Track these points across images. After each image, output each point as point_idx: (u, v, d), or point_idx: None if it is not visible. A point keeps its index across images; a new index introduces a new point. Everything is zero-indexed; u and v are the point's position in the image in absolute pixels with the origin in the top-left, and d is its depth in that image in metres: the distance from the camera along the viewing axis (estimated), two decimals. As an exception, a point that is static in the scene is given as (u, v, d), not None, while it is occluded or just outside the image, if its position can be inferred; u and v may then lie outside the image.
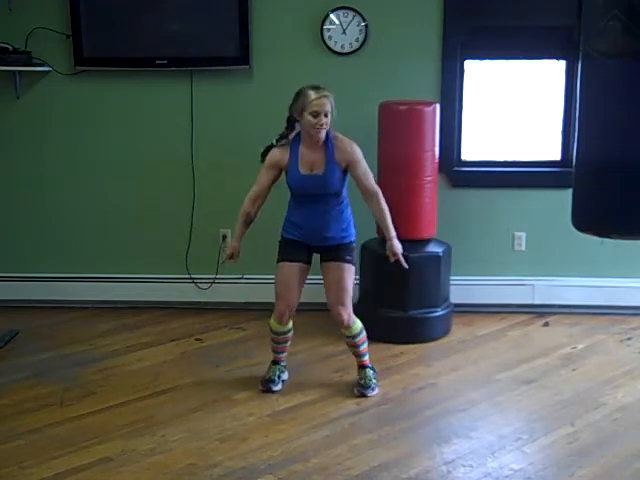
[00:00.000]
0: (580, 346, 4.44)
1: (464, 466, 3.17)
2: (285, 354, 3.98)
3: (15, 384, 3.95)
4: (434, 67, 4.74)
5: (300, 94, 3.66)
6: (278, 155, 3.73)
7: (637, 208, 2.36)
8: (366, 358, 3.91)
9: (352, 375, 4.03)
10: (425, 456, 3.25)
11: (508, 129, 4.97)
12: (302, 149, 3.70)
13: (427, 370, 4.11)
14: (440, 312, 4.56)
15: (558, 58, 4.84)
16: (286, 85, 4.80)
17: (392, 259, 3.77)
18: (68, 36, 4.72)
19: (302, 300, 4.93)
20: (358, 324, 3.84)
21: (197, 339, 4.57)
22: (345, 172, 3.72)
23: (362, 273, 4.64)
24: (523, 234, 4.93)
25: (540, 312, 4.93)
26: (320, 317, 4.82)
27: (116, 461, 3.22)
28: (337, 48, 4.73)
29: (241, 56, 4.68)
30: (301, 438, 3.39)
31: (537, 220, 4.90)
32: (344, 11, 4.68)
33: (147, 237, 5.04)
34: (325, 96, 3.62)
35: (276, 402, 3.74)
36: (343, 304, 3.75)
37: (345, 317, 3.77)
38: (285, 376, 3.98)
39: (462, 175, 4.90)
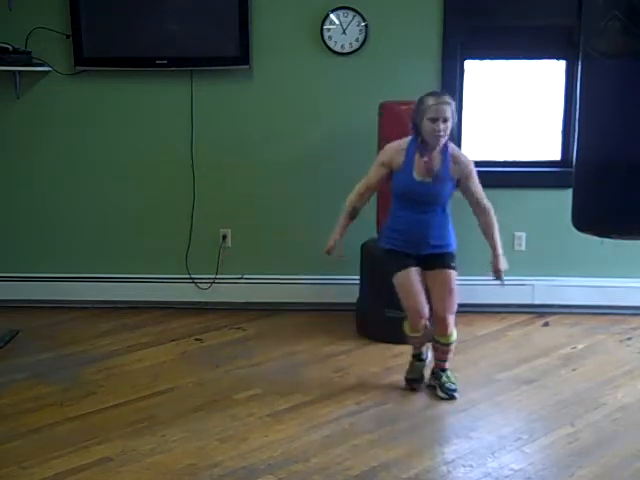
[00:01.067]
0: (580, 346, 4.44)
1: (464, 466, 3.17)
2: (424, 345, 3.90)
3: (15, 384, 3.95)
4: (434, 67, 4.74)
5: (420, 101, 3.61)
6: (391, 154, 3.70)
7: (637, 208, 2.36)
8: (448, 363, 3.86)
9: (352, 375, 4.04)
10: (425, 456, 3.25)
11: (508, 129, 4.98)
12: (417, 156, 3.65)
13: (427, 370, 4.11)
14: (440, 312, 4.55)
15: (558, 58, 4.84)
16: (286, 85, 4.84)
17: (495, 275, 3.76)
18: (68, 36, 4.71)
19: (301, 300, 4.97)
20: (455, 333, 3.77)
21: (197, 339, 4.57)
22: (456, 185, 3.68)
23: (362, 273, 4.64)
24: (523, 234, 4.93)
25: (540, 312, 4.94)
26: (320, 317, 4.84)
27: (116, 461, 3.22)
28: (337, 48, 4.73)
29: (241, 56, 4.68)
30: (301, 438, 3.39)
31: (537, 220, 4.91)
32: (344, 11, 4.68)
33: (147, 237, 5.04)
34: (444, 102, 3.56)
35: (276, 402, 3.74)
36: (451, 312, 3.70)
37: (450, 323, 3.70)
38: (426, 358, 3.95)
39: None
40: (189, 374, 4.07)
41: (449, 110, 3.56)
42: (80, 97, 4.87)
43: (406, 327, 3.82)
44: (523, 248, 4.94)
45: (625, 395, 3.80)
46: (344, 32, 4.70)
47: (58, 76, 4.82)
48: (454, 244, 3.81)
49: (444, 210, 3.74)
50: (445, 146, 3.65)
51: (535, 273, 4.94)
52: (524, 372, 4.08)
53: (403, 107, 4.41)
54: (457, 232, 4.73)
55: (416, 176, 3.64)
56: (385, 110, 4.44)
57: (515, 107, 4.94)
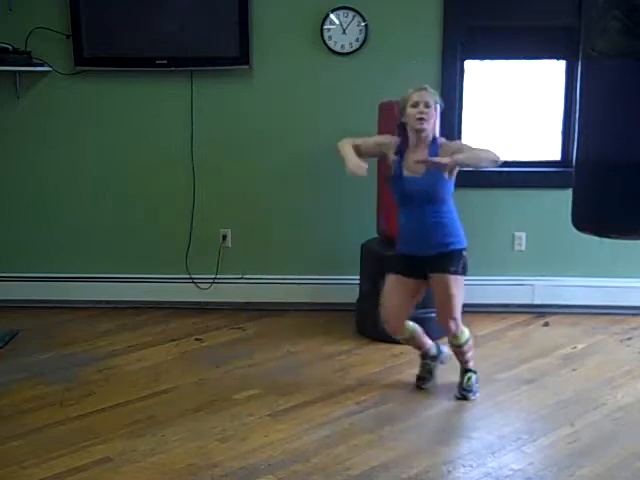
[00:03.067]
0: (580, 346, 4.44)
1: (464, 466, 3.17)
2: (425, 347, 3.90)
3: (15, 384, 3.95)
4: (434, 67, 4.75)
5: (402, 97, 3.67)
6: (389, 140, 3.72)
7: (637, 208, 2.36)
8: (471, 363, 3.84)
9: (352, 375, 4.05)
10: (425, 456, 3.25)
11: (508, 129, 4.98)
12: (408, 152, 3.65)
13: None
14: (440, 312, 4.55)
15: (558, 58, 4.85)
16: (286, 85, 4.84)
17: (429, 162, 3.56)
18: (68, 36, 4.72)
19: (301, 300, 4.97)
20: (466, 333, 3.76)
21: (197, 339, 4.57)
22: (449, 176, 3.62)
23: (362, 273, 4.64)
24: (523, 234, 4.93)
25: (540, 312, 4.94)
26: (320, 317, 4.84)
27: (116, 461, 3.22)
28: (337, 48, 4.73)
29: (241, 56, 4.68)
30: (301, 438, 3.39)
31: (537, 220, 4.91)
32: (344, 11, 4.68)
33: (147, 237, 5.04)
34: (424, 88, 3.63)
35: (276, 402, 3.74)
36: (452, 317, 3.68)
37: (453, 328, 3.69)
38: (440, 354, 3.94)
39: (462, 175, 4.87)
40: (189, 374, 4.07)
41: (431, 97, 3.60)
42: (80, 97, 4.88)
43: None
44: (523, 248, 4.94)
45: (625, 395, 3.80)
46: (344, 32, 4.70)
47: (58, 76, 4.82)
48: (461, 241, 3.71)
49: (445, 206, 3.66)
50: (434, 139, 3.65)
51: (535, 273, 4.95)
52: (524, 372, 4.08)
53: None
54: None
55: (405, 173, 3.63)
56: (385, 110, 4.44)
57: (515, 107, 4.95)
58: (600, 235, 2.58)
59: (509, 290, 4.96)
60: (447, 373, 4.08)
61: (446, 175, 3.58)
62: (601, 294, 4.91)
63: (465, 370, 3.83)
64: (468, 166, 3.61)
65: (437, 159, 3.50)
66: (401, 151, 3.67)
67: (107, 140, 4.94)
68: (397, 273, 3.73)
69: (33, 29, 4.70)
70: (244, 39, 4.66)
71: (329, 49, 4.73)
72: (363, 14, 4.67)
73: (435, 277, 3.67)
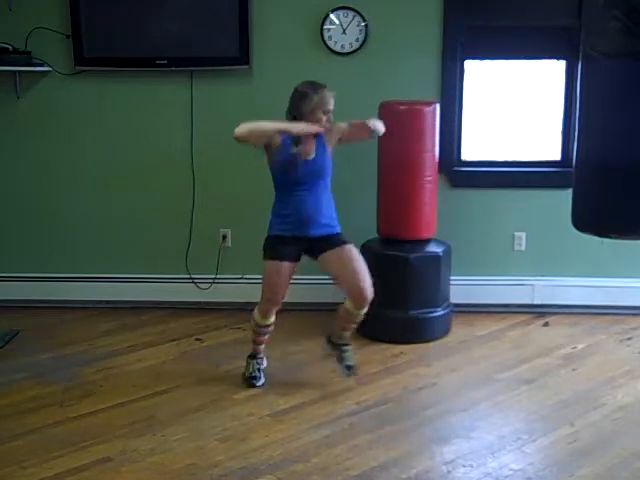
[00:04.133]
0: (580, 346, 4.44)
1: (464, 466, 3.17)
2: (264, 346, 3.98)
3: (15, 384, 3.95)
4: (434, 67, 4.75)
5: (303, 96, 3.68)
6: (273, 139, 3.74)
7: (637, 208, 2.36)
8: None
9: (352, 375, 4.04)
10: (425, 456, 3.25)
11: (508, 129, 4.98)
12: (295, 140, 3.71)
13: (427, 370, 4.11)
14: (440, 312, 4.56)
15: (558, 58, 4.84)
16: (286, 85, 4.80)
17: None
18: (68, 36, 4.72)
19: (302, 300, 4.96)
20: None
21: (197, 339, 4.57)
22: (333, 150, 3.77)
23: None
24: (523, 234, 4.93)
25: (540, 312, 4.93)
26: (320, 317, 4.83)
27: (116, 461, 3.22)
28: (337, 48, 4.73)
29: (241, 56, 4.68)
30: (301, 438, 3.39)
31: (537, 220, 4.90)
32: (344, 11, 4.68)
33: (147, 237, 5.04)
34: (330, 93, 3.72)
35: (276, 402, 3.74)
36: (368, 281, 3.72)
37: (370, 294, 3.73)
38: (264, 364, 3.99)
39: (462, 175, 4.91)
40: (189, 374, 4.07)
41: (333, 102, 3.71)
42: (80, 97, 4.87)
43: (257, 316, 3.87)
44: (523, 248, 4.94)
45: (625, 395, 3.80)
46: (344, 32, 4.70)
47: (58, 76, 4.82)
48: (339, 225, 3.84)
49: (327, 186, 3.80)
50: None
51: (535, 273, 4.94)
52: (524, 372, 4.08)
53: (403, 107, 4.42)
54: (455, 231, 4.77)
55: (298, 156, 3.68)
56: (385, 110, 4.44)
57: (515, 107, 4.94)
58: (600, 235, 2.58)
59: (509, 290, 4.96)
60: (446, 374, 4.08)
61: (330, 153, 3.75)
62: (601, 294, 4.91)
63: (346, 344, 3.96)
64: (358, 135, 3.78)
65: (363, 121, 3.68)
66: (292, 141, 3.71)
67: (107, 140, 4.94)
68: (282, 259, 3.76)
69: (33, 29, 4.70)
70: (244, 39, 4.66)
71: (329, 49, 4.73)
72: (363, 14, 4.67)
73: (336, 251, 3.74)
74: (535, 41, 4.78)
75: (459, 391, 3.86)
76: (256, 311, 3.88)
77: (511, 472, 3.13)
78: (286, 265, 3.77)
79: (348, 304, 3.79)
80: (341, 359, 3.97)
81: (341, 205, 4.90)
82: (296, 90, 3.73)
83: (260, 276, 5.00)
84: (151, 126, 4.91)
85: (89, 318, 4.91)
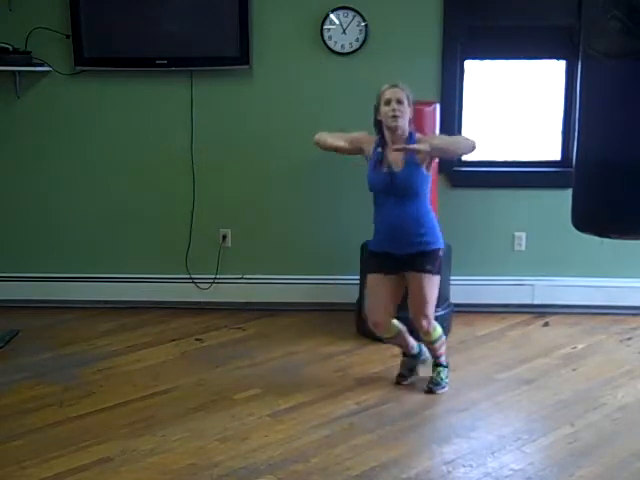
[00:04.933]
0: (580, 346, 4.44)
1: (464, 466, 3.17)
2: (408, 346, 3.92)
3: (15, 384, 3.95)
4: (434, 67, 4.75)
5: (377, 95, 3.72)
6: (366, 139, 3.75)
7: (637, 208, 2.36)
8: (443, 358, 3.91)
9: (352, 375, 4.05)
10: (425, 456, 3.25)
11: (508, 129, 4.97)
12: (386, 149, 3.69)
13: (427, 370, 4.11)
14: (440, 312, 4.54)
15: (558, 58, 4.84)
16: (286, 85, 4.84)
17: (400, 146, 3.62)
18: (68, 36, 4.71)
19: (302, 300, 4.97)
20: (438, 330, 3.82)
21: (197, 339, 4.57)
22: (427, 170, 3.67)
23: (362, 273, 4.63)
24: (523, 234, 4.93)
25: (540, 312, 4.93)
26: (320, 317, 4.84)
27: (116, 461, 3.22)
28: (337, 48, 4.73)
29: (241, 56, 4.68)
30: (301, 438, 3.39)
31: (537, 220, 4.90)
32: (344, 11, 4.68)
33: (147, 237, 5.04)
34: (396, 85, 3.68)
35: (276, 402, 3.74)
36: (424, 315, 3.73)
37: (425, 326, 3.75)
38: (423, 356, 3.96)
39: (462, 175, 4.91)
40: (189, 374, 4.07)
41: (403, 93, 3.66)
42: (80, 97, 4.87)
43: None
44: (523, 248, 4.94)
45: (625, 395, 3.80)
46: (344, 32, 4.70)
47: (58, 76, 4.82)
48: (439, 241, 3.77)
49: (423, 202, 3.71)
50: (410, 135, 3.68)
51: (535, 273, 4.94)
52: (524, 372, 4.08)
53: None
54: (456, 231, 4.76)
55: (384, 169, 3.66)
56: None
57: (515, 107, 4.94)
58: (600, 235, 2.58)
59: (509, 290, 4.96)
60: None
61: (424, 168, 3.65)
62: (601, 294, 4.91)
63: (436, 364, 3.90)
64: (445, 152, 3.71)
65: (413, 145, 3.58)
66: (380, 146, 3.70)
67: (107, 140, 4.94)
68: (378, 272, 3.75)
69: (33, 29, 4.70)
70: (244, 39, 4.66)
71: (329, 49, 4.73)
72: (363, 14, 4.67)
73: (412, 275, 3.71)
74: (535, 41, 4.78)
75: (459, 391, 3.86)
76: None
77: (511, 472, 3.13)
78: (385, 277, 3.73)
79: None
80: (430, 379, 3.90)
81: (341, 205, 4.94)
82: None
83: (260, 276, 5.04)
84: (151, 126, 4.91)
85: (89, 318, 4.91)
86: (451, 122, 4.77)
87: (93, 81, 4.83)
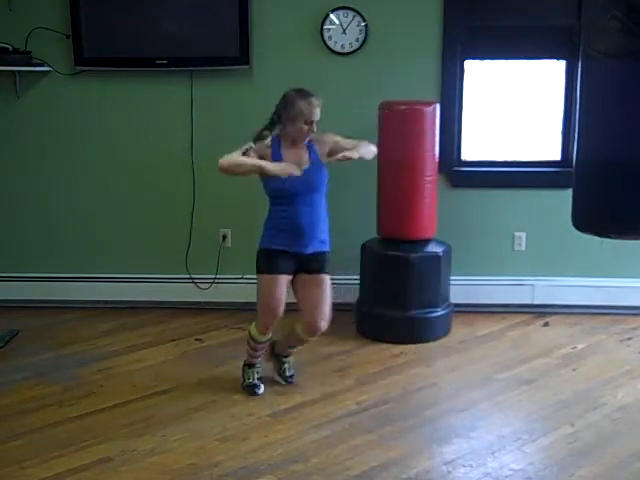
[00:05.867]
0: (580, 346, 4.44)
1: (464, 466, 3.17)
2: (261, 357, 3.91)
3: (15, 384, 3.95)
4: (434, 67, 4.75)
5: (290, 103, 3.60)
6: (261, 147, 3.63)
7: (637, 208, 2.36)
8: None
9: (352, 375, 4.05)
10: (425, 456, 3.25)
11: (508, 129, 4.97)
12: (284, 150, 3.65)
13: (427, 370, 4.11)
14: (440, 312, 4.56)
15: (558, 58, 4.84)
16: (286, 85, 4.79)
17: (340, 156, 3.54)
18: (68, 36, 4.72)
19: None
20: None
21: (197, 339, 4.57)
22: (326, 164, 3.67)
23: (362, 273, 4.64)
24: (523, 234, 4.93)
25: (540, 312, 4.93)
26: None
27: (116, 461, 3.22)
28: (337, 48, 4.73)
29: (241, 56, 4.68)
30: (301, 438, 3.39)
31: (537, 220, 4.91)
32: (344, 11, 4.68)
33: (147, 237, 5.04)
34: (316, 102, 3.60)
35: (276, 402, 3.74)
36: (326, 319, 3.70)
37: (323, 328, 3.70)
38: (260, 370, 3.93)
39: (462, 175, 4.91)
40: (189, 374, 4.07)
41: (319, 110, 3.60)
42: (80, 97, 4.88)
43: (254, 330, 3.76)
44: (523, 248, 4.94)
45: (625, 395, 3.80)
46: (344, 32, 4.70)
47: (58, 76, 4.82)
48: (329, 243, 3.77)
49: (323, 199, 3.70)
50: None
51: (535, 273, 4.94)
52: (524, 372, 4.08)
53: (403, 107, 4.42)
54: (455, 231, 4.77)
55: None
56: (385, 110, 4.45)
57: (515, 107, 4.94)
58: (600, 235, 2.58)
59: (509, 290, 4.96)
60: (446, 374, 4.09)
61: (325, 166, 3.66)
62: (601, 294, 4.91)
63: (286, 356, 3.94)
64: (360, 159, 3.64)
65: (348, 154, 3.51)
66: (276, 145, 3.65)
67: (107, 140, 4.94)
68: (275, 272, 3.64)
69: (33, 29, 4.70)
70: (244, 39, 4.66)
71: (329, 49, 4.73)
72: (363, 14, 4.67)
73: (312, 277, 3.69)
74: (535, 41, 4.79)
75: (459, 391, 3.86)
76: (253, 327, 3.77)
77: (511, 472, 3.13)
78: (283, 277, 3.66)
79: (300, 329, 3.74)
80: (282, 370, 3.94)
81: (341, 205, 4.93)
82: (284, 95, 3.65)
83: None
84: (151, 126, 4.91)
85: (89, 318, 4.91)
86: (451, 122, 4.78)
87: (93, 81, 4.83)
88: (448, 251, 4.59)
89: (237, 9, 4.62)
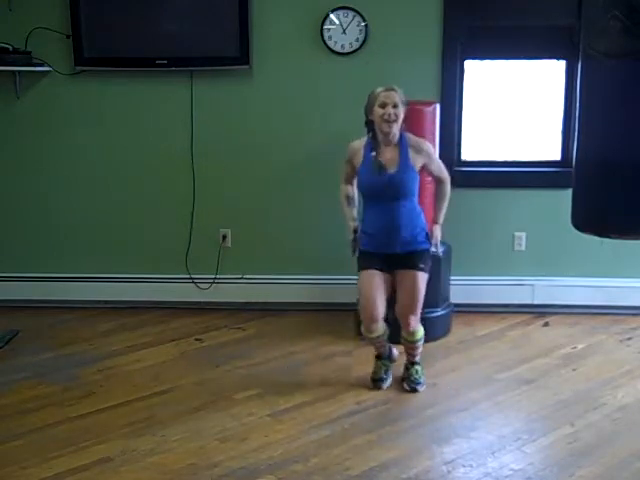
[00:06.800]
0: (580, 346, 4.44)
1: (464, 466, 3.17)
2: (386, 347, 3.95)
3: (15, 384, 3.95)
4: (434, 67, 4.75)
5: (370, 94, 3.72)
6: (353, 151, 3.78)
7: (637, 208, 2.36)
8: (419, 357, 3.94)
9: (352, 375, 4.05)
10: (425, 456, 3.25)
11: (508, 129, 4.97)
12: (378, 149, 3.70)
13: (427, 370, 4.11)
14: (440, 312, 4.56)
15: (558, 58, 4.84)
16: (286, 85, 4.84)
17: (430, 241, 3.79)
18: (68, 36, 4.71)
19: (302, 300, 4.97)
20: (422, 331, 3.85)
21: (197, 339, 4.57)
22: (419, 172, 3.72)
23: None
24: (523, 234, 4.93)
25: (540, 312, 4.93)
26: (320, 317, 4.84)
27: (116, 461, 3.22)
28: (337, 48, 4.73)
29: (241, 56, 4.68)
30: (301, 438, 3.39)
31: (537, 220, 4.90)
32: (344, 11, 4.68)
33: (147, 237, 5.04)
34: (391, 89, 3.68)
35: (276, 402, 3.74)
36: (414, 313, 3.76)
37: (413, 324, 3.77)
38: (391, 353, 4.01)
39: (462, 175, 4.89)
40: (189, 374, 4.07)
41: (397, 97, 3.67)
42: (80, 97, 4.87)
43: (362, 328, 3.85)
44: (523, 248, 4.94)
45: (625, 395, 3.80)
46: (344, 32, 4.70)
47: (58, 76, 4.82)
48: (428, 241, 3.81)
49: (414, 202, 3.74)
50: (401, 136, 3.70)
51: (535, 273, 4.94)
52: (524, 372, 4.08)
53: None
54: (456, 231, 4.76)
55: (378, 169, 3.67)
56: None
57: (515, 107, 4.94)
58: (600, 235, 2.58)
59: (509, 290, 4.96)
60: (446, 374, 4.08)
61: (416, 172, 3.71)
62: (601, 294, 4.91)
63: (412, 363, 3.92)
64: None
65: (433, 249, 3.79)
66: (373, 149, 3.72)
67: (107, 140, 4.94)
68: (371, 268, 3.75)
69: (33, 29, 4.70)
70: (244, 39, 4.66)
71: (329, 49, 4.73)
72: (363, 14, 4.67)
73: (404, 273, 3.74)
74: (535, 41, 4.78)
75: (459, 391, 3.86)
76: (362, 325, 3.85)
77: (511, 472, 3.13)
78: (377, 273, 3.74)
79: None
80: (408, 378, 3.93)
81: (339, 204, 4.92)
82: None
83: (260, 276, 5.04)
84: (151, 126, 4.91)
85: (89, 318, 4.91)
86: (451, 122, 4.78)
87: (93, 81, 4.83)
88: (448, 251, 4.59)
89: (237, 9, 4.62)
